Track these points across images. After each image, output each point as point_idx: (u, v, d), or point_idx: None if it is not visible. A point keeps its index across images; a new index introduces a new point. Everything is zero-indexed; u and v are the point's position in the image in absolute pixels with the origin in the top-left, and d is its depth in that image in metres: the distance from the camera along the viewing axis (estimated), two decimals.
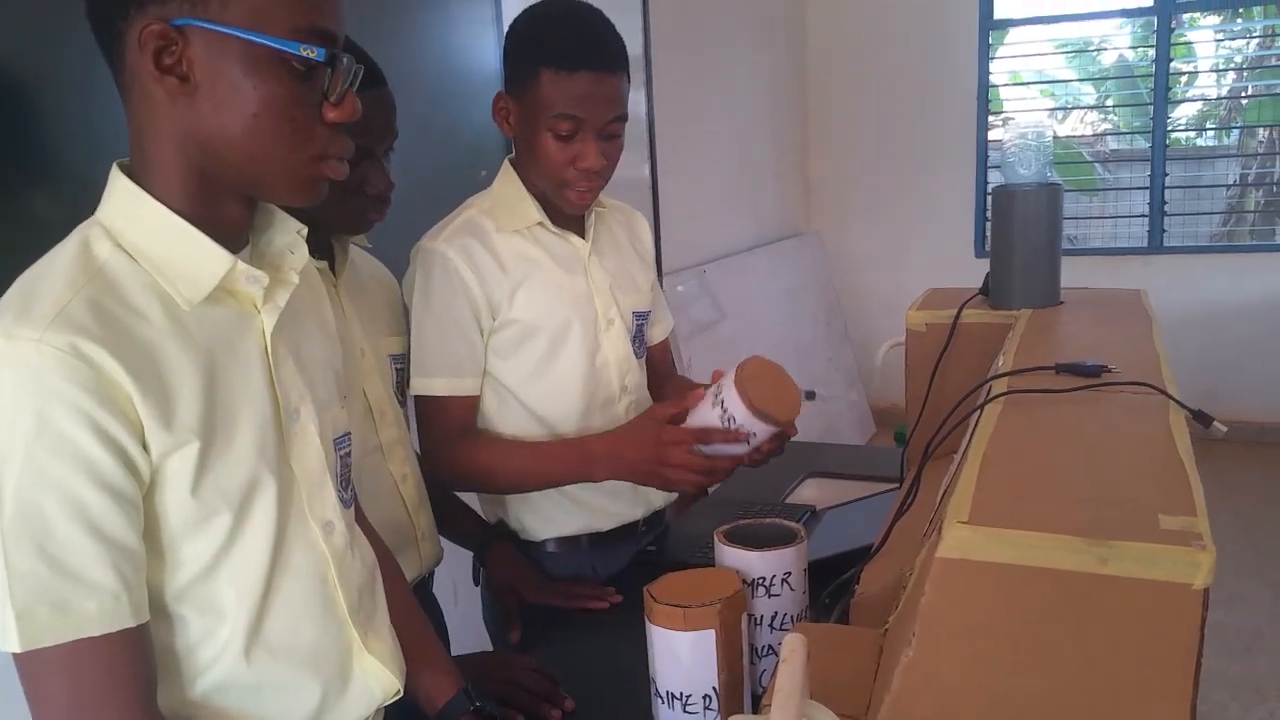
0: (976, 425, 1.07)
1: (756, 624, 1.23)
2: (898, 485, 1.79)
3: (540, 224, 1.58)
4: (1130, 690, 0.74)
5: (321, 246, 1.43)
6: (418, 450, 1.62)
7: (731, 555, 1.22)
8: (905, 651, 0.82)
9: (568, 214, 1.61)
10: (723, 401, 1.44)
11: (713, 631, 1.09)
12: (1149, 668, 0.74)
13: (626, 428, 1.53)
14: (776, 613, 1.23)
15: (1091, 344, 1.34)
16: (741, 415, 1.41)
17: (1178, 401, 1.04)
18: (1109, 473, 0.90)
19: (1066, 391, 1.10)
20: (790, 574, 1.22)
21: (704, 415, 1.46)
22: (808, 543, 1.26)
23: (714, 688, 1.11)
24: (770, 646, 1.23)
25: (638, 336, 1.72)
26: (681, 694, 1.12)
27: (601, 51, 1.48)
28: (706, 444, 1.44)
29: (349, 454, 1.12)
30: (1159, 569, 0.72)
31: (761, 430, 1.44)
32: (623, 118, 1.52)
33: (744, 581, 1.21)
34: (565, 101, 1.46)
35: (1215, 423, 1.05)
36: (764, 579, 1.21)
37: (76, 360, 0.82)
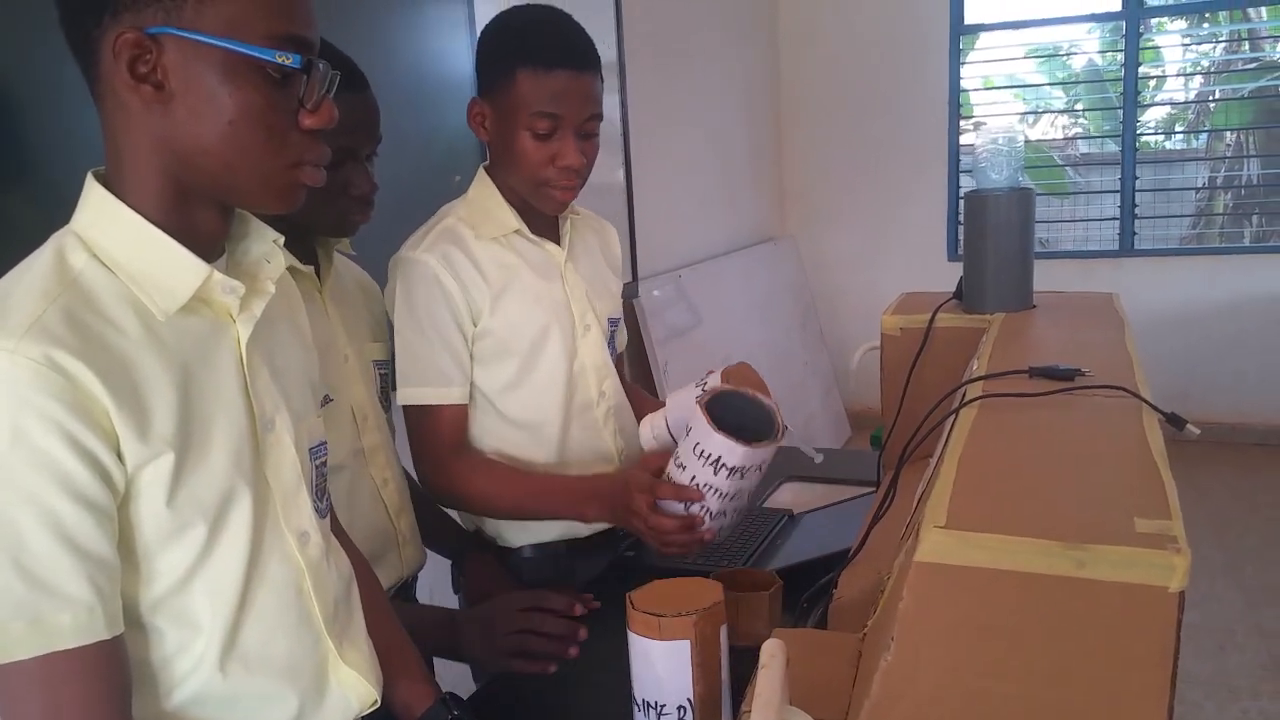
0: (952, 430, 1.07)
1: (692, 479, 1.39)
2: (874, 489, 1.79)
3: (518, 231, 1.58)
4: (1107, 693, 0.75)
5: (307, 252, 1.43)
6: (401, 457, 1.61)
7: (704, 431, 1.36)
8: (884, 656, 0.83)
9: (545, 217, 1.61)
10: (704, 386, 1.49)
11: (688, 643, 1.09)
12: (1126, 670, 0.74)
13: (619, 471, 1.56)
14: (718, 491, 1.39)
15: (1065, 348, 1.36)
16: None
17: (1150, 405, 1.05)
18: (1084, 476, 0.91)
19: (1041, 395, 1.11)
20: (746, 469, 1.37)
21: (684, 398, 1.52)
22: (776, 444, 1.40)
23: (689, 699, 1.10)
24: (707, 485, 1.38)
25: (610, 343, 1.72)
26: (656, 703, 1.12)
27: (577, 50, 1.50)
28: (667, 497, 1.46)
29: (324, 464, 1.11)
30: (1135, 572, 0.73)
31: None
32: (599, 116, 1.53)
33: (704, 454, 1.36)
34: (543, 99, 1.47)
35: (1189, 425, 1.06)
36: (720, 459, 1.36)
37: (51, 371, 0.81)
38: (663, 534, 1.44)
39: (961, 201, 5.50)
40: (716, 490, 1.40)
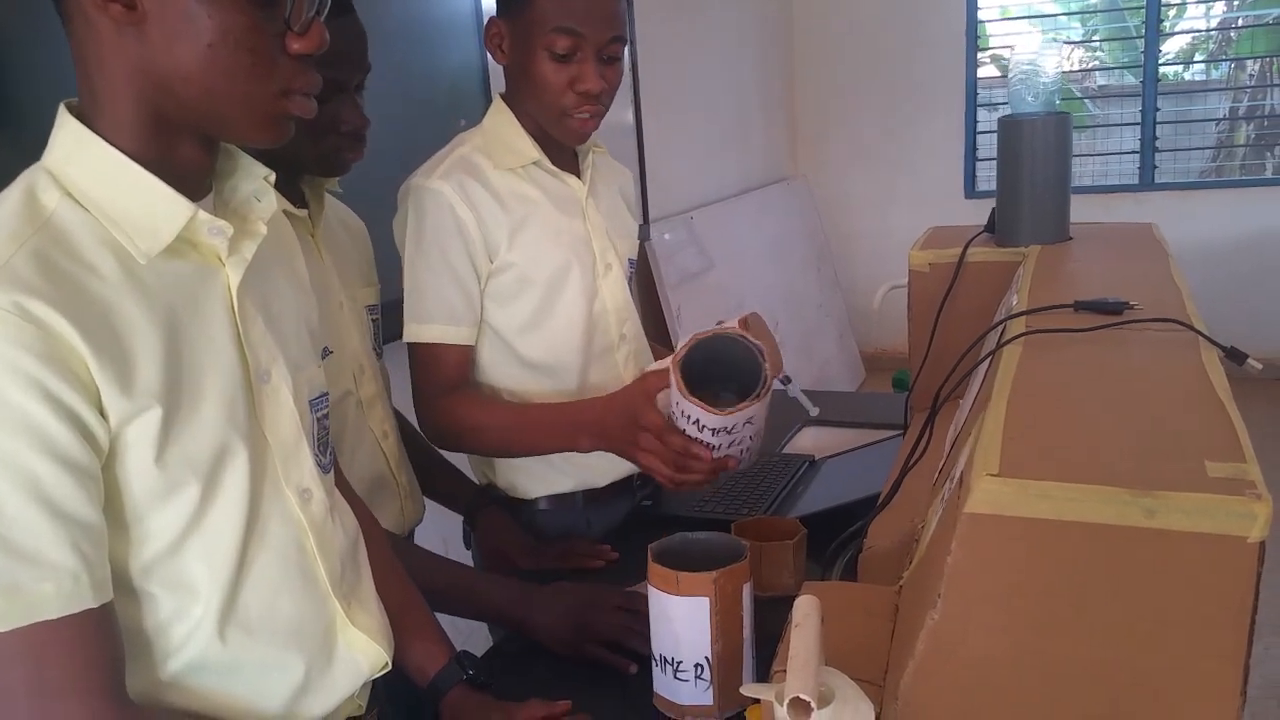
0: (995, 369, 1.00)
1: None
2: (897, 433, 1.73)
3: (537, 163, 1.51)
4: (1178, 651, 0.69)
5: (294, 195, 1.36)
6: (395, 406, 1.56)
7: (678, 395, 1.26)
8: (930, 614, 0.76)
9: (565, 149, 1.54)
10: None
11: (706, 600, 1.05)
12: (1199, 627, 0.68)
13: (615, 397, 1.44)
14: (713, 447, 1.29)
15: (1108, 280, 1.28)
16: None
17: (1208, 338, 0.98)
18: (1144, 417, 0.84)
19: (1089, 330, 1.03)
20: (732, 428, 1.27)
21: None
22: (759, 401, 1.27)
23: (706, 658, 1.07)
24: None
25: (631, 282, 1.65)
26: (673, 659, 1.09)
27: None
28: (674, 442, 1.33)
29: (326, 416, 1.05)
30: (1211, 521, 0.67)
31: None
32: (622, 39, 1.45)
33: (686, 416, 1.25)
34: (564, 15, 1.39)
35: (1250, 360, 0.98)
36: (699, 421, 1.26)
37: (22, 321, 0.75)
38: (685, 469, 1.33)
39: (980, 137, 5.47)
40: (711, 446, 1.29)
